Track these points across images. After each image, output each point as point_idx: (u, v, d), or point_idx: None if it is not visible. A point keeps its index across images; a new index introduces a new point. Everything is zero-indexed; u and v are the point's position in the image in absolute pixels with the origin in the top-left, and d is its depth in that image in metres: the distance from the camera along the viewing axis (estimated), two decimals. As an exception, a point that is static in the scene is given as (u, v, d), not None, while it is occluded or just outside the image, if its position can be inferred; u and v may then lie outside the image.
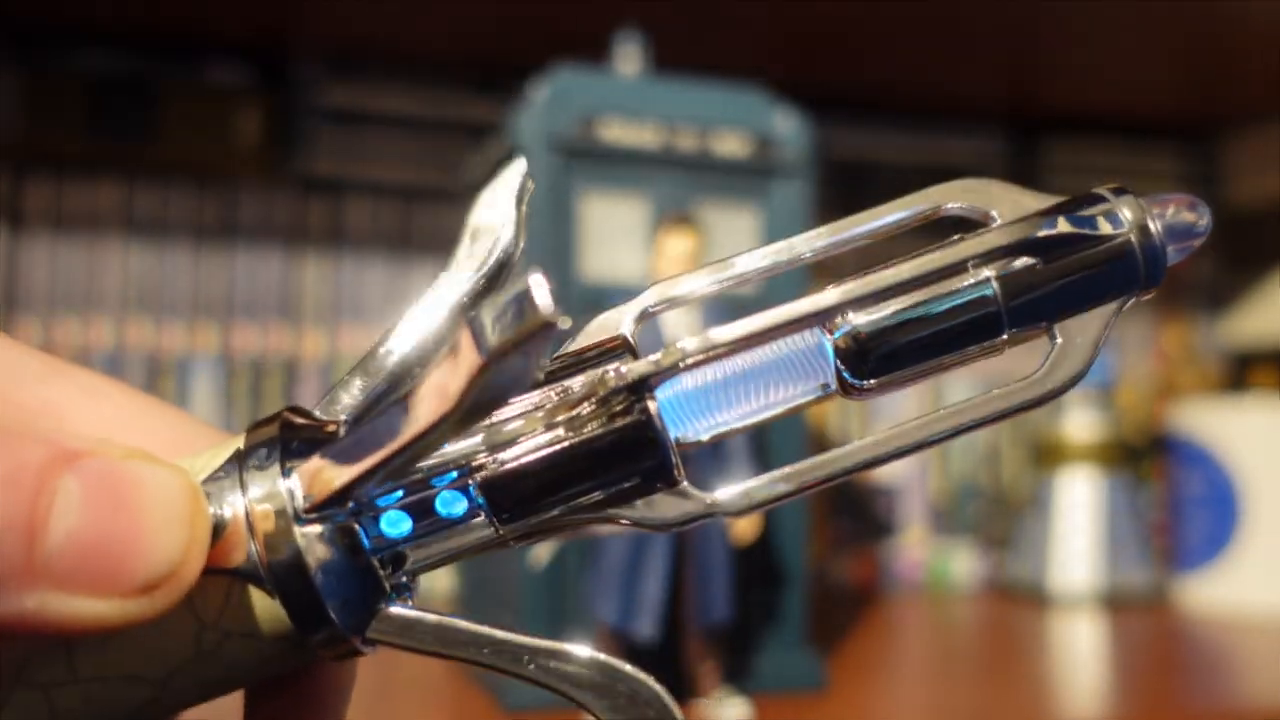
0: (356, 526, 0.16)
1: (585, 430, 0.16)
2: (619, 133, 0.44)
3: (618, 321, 0.17)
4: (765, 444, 0.46)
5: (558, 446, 0.16)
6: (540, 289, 0.13)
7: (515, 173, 0.17)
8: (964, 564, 0.81)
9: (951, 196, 0.17)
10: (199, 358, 0.68)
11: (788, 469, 0.16)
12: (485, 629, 0.17)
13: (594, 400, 0.16)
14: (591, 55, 0.49)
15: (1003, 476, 0.83)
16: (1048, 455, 0.75)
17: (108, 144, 0.67)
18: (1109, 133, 0.88)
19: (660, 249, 0.41)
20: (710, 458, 0.41)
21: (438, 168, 0.72)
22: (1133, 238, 0.15)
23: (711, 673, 0.41)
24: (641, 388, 0.16)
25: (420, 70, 0.73)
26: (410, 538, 0.16)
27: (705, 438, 0.17)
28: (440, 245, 0.72)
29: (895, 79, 0.76)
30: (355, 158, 0.71)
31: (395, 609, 0.16)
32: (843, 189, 0.81)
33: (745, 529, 0.41)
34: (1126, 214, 0.15)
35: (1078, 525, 0.72)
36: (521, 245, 0.17)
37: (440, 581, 0.70)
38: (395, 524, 0.16)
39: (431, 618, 0.16)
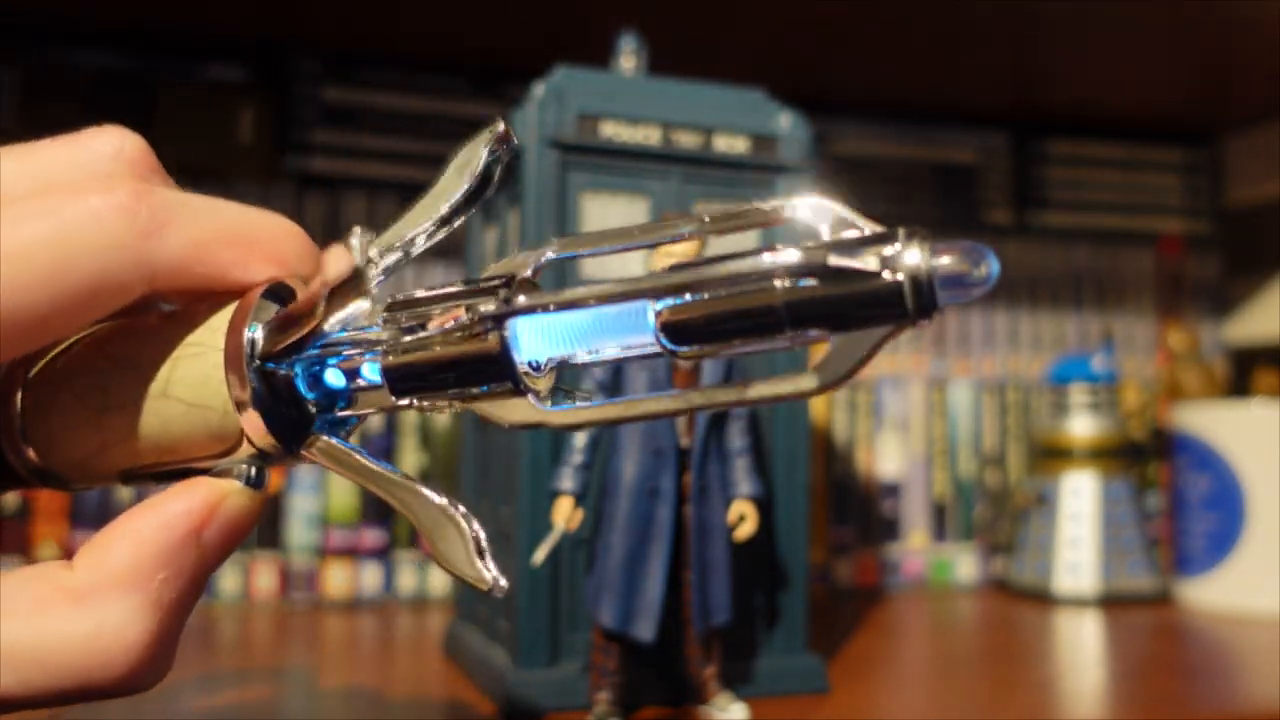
0: (293, 373, 0.22)
1: (455, 345, 0.21)
2: (619, 132, 0.44)
3: (524, 262, 0.22)
4: (769, 444, 0.46)
5: (433, 353, 0.21)
6: (355, 242, 0.22)
7: (492, 131, 0.23)
8: (966, 565, 0.81)
9: (797, 210, 0.20)
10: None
11: (612, 401, 0.21)
12: (382, 468, 0.23)
13: (467, 321, 0.21)
14: (591, 55, 0.49)
15: (1006, 477, 0.83)
16: (1051, 456, 0.75)
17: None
18: (1110, 132, 0.87)
19: (661, 248, 0.41)
20: (715, 457, 0.41)
21: (436, 166, 0.72)
22: (905, 281, 0.18)
23: (712, 677, 0.41)
24: (500, 320, 0.21)
25: (418, 69, 0.73)
26: (344, 390, 0.23)
27: (554, 361, 0.22)
28: (436, 246, 0.71)
29: (897, 79, 0.76)
30: (353, 156, 0.71)
31: (327, 439, 0.23)
32: (845, 188, 0.81)
33: (746, 529, 0.41)
34: (906, 258, 0.18)
35: (1081, 527, 0.72)
36: (477, 185, 0.23)
37: (438, 581, 0.70)
38: (336, 378, 0.23)
39: (347, 449, 0.23)
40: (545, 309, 0.21)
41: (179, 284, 0.22)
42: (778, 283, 0.19)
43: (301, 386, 0.23)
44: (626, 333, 0.21)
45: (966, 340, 0.82)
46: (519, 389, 0.21)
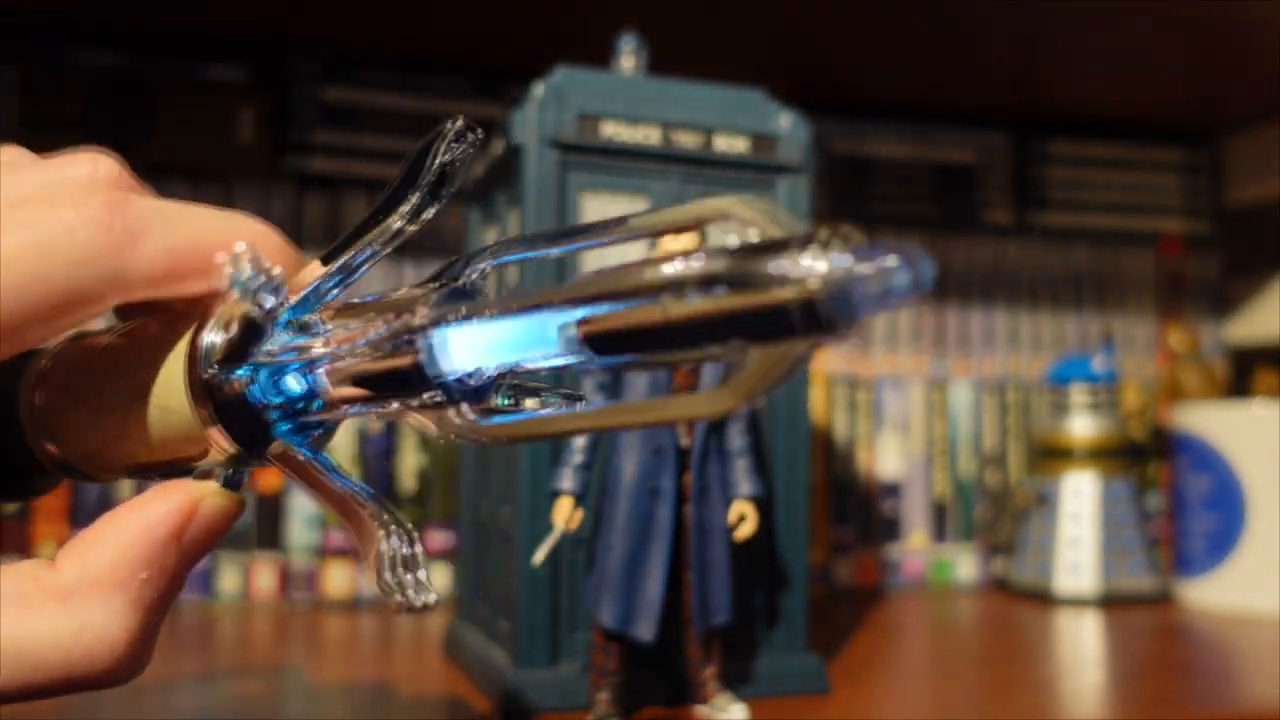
0: (251, 378, 0.22)
1: (380, 356, 0.21)
2: (619, 132, 0.44)
3: (468, 264, 0.22)
4: (769, 444, 0.46)
5: (362, 363, 0.21)
6: (237, 264, 0.22)
7: (451, 126, 0.23)
8: (967, 565, 0.81)
9: (724, 210, 0.19)
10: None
11: (539, 416, 0.21)
12: (329, 477, 0.23)
13: (390, 332, 0.21)
14: (592, 55, 0.49)
15: (1006, 477, 0.82)
16: (1052, 456, 0.75)
17: (104, 142, 0.66)
18: (1110, 132, 0.87)
19: (661, 248, 0.41)
20: (715, 457, 0.41)
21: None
22: (816, 290, 0.16)
23: (712, 677, 0.41)
24: (421, 331, 0.21)
25: (418, 69, 0.73)
26: (304, 395, 0.23)
27: (483, 371, 0.21)
28: (436, 244, 0.71)
29: (896, 79, 0.76)
30: (353, 156, 0.71)
31: (283, 444, 0.23)
32: (844, 188, 0.81)
33: (746, 529, 0.41)
34: (817, 266, 0.16)
35: (1081, 527, 0.72)
36: (434, 184, 0.23)
37: (436, 582, 0.70)
38: (297, 383, 0.23)
39: (302, 456, 0.23)
40: (456, 320, 0.20)
41: (156, 292, 0.22)
42: (673, 295, 0.17)
43: (259, 391, 0.23)
44: (550, 343, 0.20)
45: (966, 340, 0.82)
46: (450, 400, 0.21)
